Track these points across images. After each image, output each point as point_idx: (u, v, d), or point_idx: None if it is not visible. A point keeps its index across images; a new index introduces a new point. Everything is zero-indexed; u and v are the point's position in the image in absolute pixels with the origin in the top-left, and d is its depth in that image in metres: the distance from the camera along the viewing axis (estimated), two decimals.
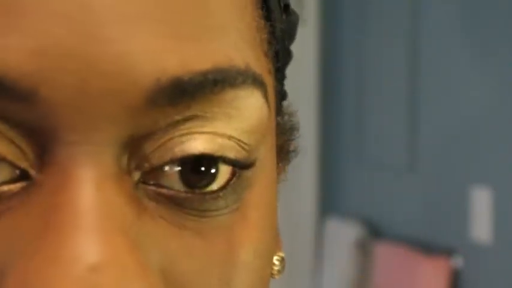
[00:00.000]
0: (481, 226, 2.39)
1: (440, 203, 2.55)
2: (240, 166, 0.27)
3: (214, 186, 0.27)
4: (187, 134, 0.26)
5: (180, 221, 0.27)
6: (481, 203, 2.39)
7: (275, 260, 0.33)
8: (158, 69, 0.25)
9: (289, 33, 0.33)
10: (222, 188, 0.27)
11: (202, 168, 0.27)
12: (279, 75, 0.33)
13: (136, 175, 0.26)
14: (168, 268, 0.26)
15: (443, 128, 2.53)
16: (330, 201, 3.04)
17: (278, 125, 0.34)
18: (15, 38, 0.24)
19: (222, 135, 0.27)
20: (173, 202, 0.27)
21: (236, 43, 0.27)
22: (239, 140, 0.27)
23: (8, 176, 0.25)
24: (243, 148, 0.27)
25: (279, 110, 0.34)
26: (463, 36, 2.45)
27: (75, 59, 0.24)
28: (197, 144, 0.26)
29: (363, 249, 2.79)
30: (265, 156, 0.29)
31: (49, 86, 0.24)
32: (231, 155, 0.27)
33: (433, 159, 2.58)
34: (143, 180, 0.26)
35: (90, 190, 0.24)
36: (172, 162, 0.26)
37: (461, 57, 2.45)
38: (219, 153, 0.27)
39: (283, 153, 0.36)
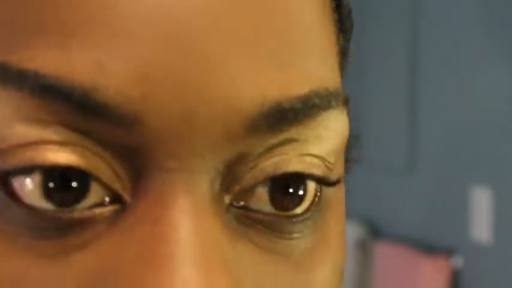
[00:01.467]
0: (481, 226, 2.39)
1: (441, 203, 2.56)
2: (327, 183, 0.27)
3: (300, 209, 0.26)
4: (278, 155, 0.26)
5: (268, 244, 0.26)
6: (481, 203, 2.39)
7: None
8: (261, 94, 0.24)
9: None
10: (307, 209, 0.27)
11: (291, 190, 0.26)
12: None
13: (227, 198, 0.25)
14: None
15: (443, 128, 2.54)
16: None
17: None
18: (121, 62, 0.23)
19: (312, 155, 0.26)
20: (261, 225, 0.26)
21: (329, 64, 0.27)
22: (326, 160, 0.27)
23: (100, 199, 0.24)
24: (328, 167, 0.27)
25: None
26: (464, 37, 2.45)
27: (182, 84, 0.23)
28: (289, 164, 0.26)
29: (363, 249, 2.79)
30: (341, 171, 0.29)
31: (154, 114, 0.23)
32: (319, 172, 0.26)
33: (433, 159, 2.58)
34: (233, 204, 0.26)
35: (190, 220, 0.24)
36: (263, 182, 0.26)
37: (461, 58, 2.46)
38: (308, 171, 0.26)
39: (345, 163, 0.35)
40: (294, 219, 0.26)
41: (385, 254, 2.67)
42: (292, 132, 0.26)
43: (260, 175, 0.26)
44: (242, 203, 0.26)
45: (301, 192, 0.26)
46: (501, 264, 2.34)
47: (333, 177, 0.27)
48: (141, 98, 0.23)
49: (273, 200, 0.26)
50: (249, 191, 0.26)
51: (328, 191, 0.28)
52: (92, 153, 0.24)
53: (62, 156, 0.23)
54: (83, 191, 0.24)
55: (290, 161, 0.26)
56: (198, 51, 0.24)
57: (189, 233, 0.24)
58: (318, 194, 0.27)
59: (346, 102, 0.28)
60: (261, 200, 0.26)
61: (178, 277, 0.23)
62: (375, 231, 2.84)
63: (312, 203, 0.27)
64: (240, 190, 0.26)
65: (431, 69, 2.59)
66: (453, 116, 2.50)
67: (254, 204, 0.26)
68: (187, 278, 0.23)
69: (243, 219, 0.26)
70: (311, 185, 0.27)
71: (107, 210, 0.24)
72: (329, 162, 0.27)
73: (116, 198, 0.24)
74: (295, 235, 0.27)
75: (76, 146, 0.24)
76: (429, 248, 2.57)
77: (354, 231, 2.81)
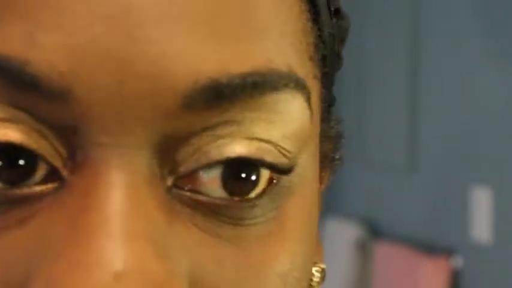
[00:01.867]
0: (481, 226, 2.39)
1: (441, 203, 2.55)
2: (278, 170, 0.26)
3: (254, 193, 0.26)
4: (223, 137, 0.25)
5: (215, 229, 0.26)
6: (481, 203, 2.39)
7: (314, 271, 0.32)
8: (195, 71, 0.24)
9: (340, 38, 0.32)
10: (260, 195, 0.26)
11: (243, 175, 0.26)
12: (327, 80, 0.32)
13: (170, 180, 0.25)
14: (198, 277, 0.25)
15: (444, 128, 2.54)
16: (330, 202, 3.05)
17: (323, 132, 0.32)
18: (51, 36, 0.23)
19: (260, 140, 0.26)
20: (209, 209, 0.26)
21: (279, 46, 0.26)
22: (279, 146, 0.26)
23: (42, 176, 0.24)
24: (283, 154, 0.26)
25: (325, 117, 0.33)
26: (464, 37, 2.45)
27: (112, 59, 0.23)
28: (234, 147, 0.25)
29: (363, 249, 2.79)
30: (307, 163, 0.28)
31: (84, 87, 0.23)
32: (270, 158, 0.26)
33: (433, 160, 2.58)
34: (178, 186, 0.25)
35: (120, 194, 0.24)
36: (208, 166, 0.25)
37: (461, 57, 2.46)
38: (256, 156, 0.25)
39: (327, 161, 0.34)
40: (243, 204, 0.26)
41: (385, 254, 2.67)
42: (235, 113, 0.25)
43: (202, 158, 0.25)
44: (188, 187, 0.26)
45: (254, 178, 0.26)
46: (501, 264, 2.34)
47: (290, 165, 0.27)
48: (70, 72, 0.23)
49: (226, 185, 0.26)
50: (195, 174, 0.26)
51: (291, 181, 0.27)
52: (33, 130, 0.24)
53: (6, 134, 0.24)
54: (30, 169, 0.24)
55: (235, 144, 0.25)
56: (131, 25, 0.24)
57: (118, 206, 0.24)
58: (275, 181, 0.27)
59: (301, 88, 0.27)
60: (213, 184, 0.26)
61: (95, 252, 0.23)
62: (375, 231, 2.84)
63: (265, 190, 0.26)
64: (185, 173, 0.25)
65: (431, 69, 2.59)
66: (453, 116, 2.49)
67: (204, 188, 0.26)
68: (105, 253, 0.23)
69: (189, 202, 0.26)
70: (264, 171, 0.26)
71: (47, 187, 0.25)
72: (283, 149, 0.26)
73: (57, 175, 0.25)
74: (247, 221, 0.26)
75: (18, 124, 0.24)
76: (429, 248, 2.57)
77: (354, 231, 2.81)
